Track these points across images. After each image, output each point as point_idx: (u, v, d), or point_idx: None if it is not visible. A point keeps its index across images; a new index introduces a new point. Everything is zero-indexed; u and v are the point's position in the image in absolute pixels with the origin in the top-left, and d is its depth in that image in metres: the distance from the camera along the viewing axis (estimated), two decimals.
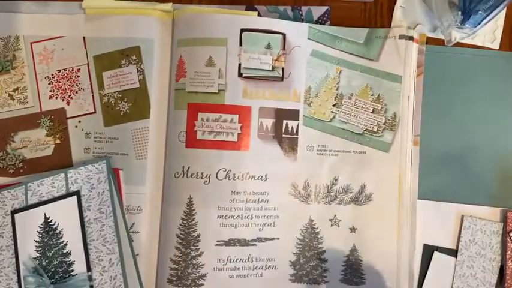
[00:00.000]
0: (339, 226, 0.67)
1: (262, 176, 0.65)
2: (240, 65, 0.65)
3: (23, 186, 0.63)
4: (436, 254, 0.66)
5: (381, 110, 0.67)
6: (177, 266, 0.64)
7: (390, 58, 0.67)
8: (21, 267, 0.61)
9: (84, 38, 0.66)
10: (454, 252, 0.67)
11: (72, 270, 0.61)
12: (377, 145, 0.67)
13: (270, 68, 0.65)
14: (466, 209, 0.67)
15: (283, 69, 0.66)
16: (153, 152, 0.65)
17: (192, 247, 0.64)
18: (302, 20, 0.68)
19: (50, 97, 0.66)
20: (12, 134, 0.65)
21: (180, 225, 0.64)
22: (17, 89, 0.66)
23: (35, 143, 0.65)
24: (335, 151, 0.67)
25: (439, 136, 0.68)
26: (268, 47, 0.65)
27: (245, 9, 0.68)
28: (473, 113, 0.68)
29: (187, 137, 0.64)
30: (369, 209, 0.66)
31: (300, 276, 0.66)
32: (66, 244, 0.62)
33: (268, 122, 0.65)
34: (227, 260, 0.64)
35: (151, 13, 0.66)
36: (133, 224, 0.64)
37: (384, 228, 0.66)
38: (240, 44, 0.65)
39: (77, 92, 0.66)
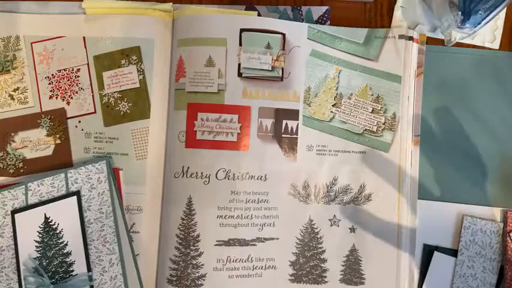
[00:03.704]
0: (338, 226, 0.67)
1: (261, 176, 0.65)
2: (239, 65, 0.65)
3: (23, 186, 0.63)
4: (436, 254, 0.66)
5: (380, 110, 0.67)
6: (176, 266, 0.64)
7: (390, 58, 0.67)
8: (22, 267, 0.61)
9: (84, 38, 0.66)
10: (454, 252, 0.66)
11: (73, 271, 0.61)
12: (376, 145, 0.67)
13: (270, 68, 0.65)
14: (466, 209, 0.67)
15: (282, 69, 0.66)
16: (153, 152, 0.65)
17: (191, 247, 0.64)
18: (302, 20, 0.68)
19: (50, 97, 0.66)
20: (13, 134, 0.65)
21: (180, 225, 0.64)
22: (17, 89, 0.66)
23: (35, 143, 0.65)
24: (335, 151, 0.67)
25: (440, 136, 0.68)
26: (268, 47, 0.65)
27: (245, 9, 0.68)
28: (473, 113, 0.68)
29: (187, 137, 0.64)
30: (369, 209, 0.66)
31: (299, 276, 0.66)
32: (66, 244, 0.62)
33: (268, 122, 0.65)
34: (227, 260, 0.64)
35: (151, 13, 0.66)
36: (133, 224, 0.64)
37: (384, 228, 0.66)
38: (240, 44, 0.65)
39: (77, 92, 0.66)
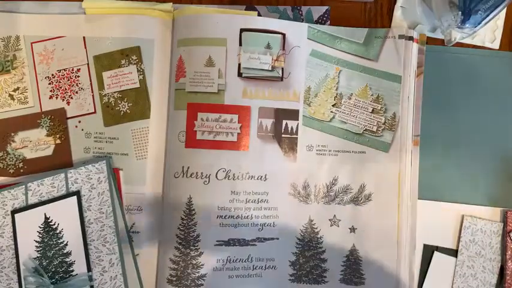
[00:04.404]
0: (338, 226, 0.67)
1: (261, 176, 0.65)
2: (239, 65, 0.65)
3: (23, 186, 0.63)
4: (436, 254, 0.66)
5: (380, 110, 0.67)
6: (176, 266, 0.64)
7: (390, 58, 0.67)
8: (22, 267, 0.61)
9: (84, 38, 0.66)
10: (454, 252, 0.66)
11: (73, 271, 0.61)
12: (376, 145, 0.67)
13: (270, 68, 0.65)
14: (466, 209, 0.67)
15: (282, 69, 0.66)
16: (153, 152, 0.65)
17: (191, 247, 0.64)
18: (302, 20, 0.68)
19: (50, 97, 0.66)
20: (13, 134, 0.65)
21: (180, 225, 0.64)
22: (18, 89, 0.66)
23: (35, 143, 0.65)
24: (334, 151, 0.67)
25: (439, 136, 0.68)
26: (268, 47, 0.65)
27: (245, 9, 0.68)
28: (473, 113, 0.68)
29: (187, 137, 0.64)
30: (369, 209, 0.66)
31: (299, 276, 0.66)
32: (66, 244, 0.62)
33: (268, 122, 0.65)
34: (227, 260, 0.64)
35: (151, 13, 0.66)
36: (133, 224, 0.65)
37: (384, 228, 0.66)
38: (240, 44, 0.65)
39: (77, 92, 0.66)
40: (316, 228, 0.66)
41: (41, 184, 0.63)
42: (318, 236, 0.66)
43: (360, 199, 0.67)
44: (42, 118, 0.66)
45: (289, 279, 0.66)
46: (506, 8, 0.65)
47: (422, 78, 0.68)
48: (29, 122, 0.65)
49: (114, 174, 0.64)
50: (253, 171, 0.65)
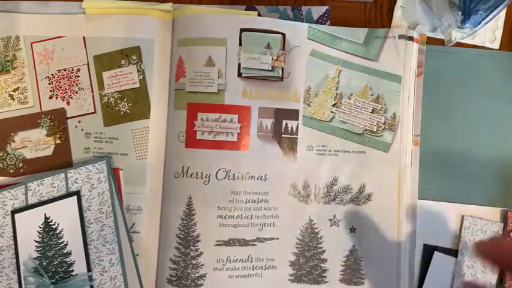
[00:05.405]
0: (338, 226, 0.67)
1: (261, 176, 0.65)
2: (239, 65, 0.65)
3: (23, 186, 0.63)
4: (436, 254, 0.66)
5: (380, 110, 0.67)
6: (176, 266, 0.64)
7: (390, 58, 0.67)
8: (22, 267, 0.61)
9: (84, 38, 0.66)
10: (454, 252, 0.66)
11: (73, 271, 0.61)
12: (377, 145, 0.67)
13: (270, 68, 0.65)
14: (466, 209, 0.67)
15: (282, 69, 0.66)
16: (153, 152, 0.65)
17: (191, 247, 0.64)
18: (302, 20, 0.68)
19: (50, 97, 0.66)
20: (12, 134, 0.65)
21: (180, 225, 0.64)
22: (17, 89, 0.66)
23: (35, 143, 0.65)
24: (334, 151, 0.67)
25: (439, 136, 0.68)
26: (268, 47, 0.65)
27: (245, 9, 0.68)
28: (473, 113, 0.68)
29: (187, 137, 0.64)
30: (369, 209, 0.66)
31: (299, 276, 0.66)
32: (66, 244, 0.62)
33: (268, 122, 0.65)
34: (227, 260, 0.64)
35: (151, 13, 0.66)
36: (133, 224, 0.64)
37: (384, 228, 0.66)
38: (240, 44, 0.65)
39: (77, 92, 0.66)
40: (316, 228, 0.66)
41: (41, 184, 0.63)
42: (318, 236, 0.66)
43: (360, 199, 0.67)
44: (42, 118, 0.66)
45: (289, 279, 0.66)
46: (506, 8, 0.65)
47: (422, 78, 0.68)
48: (29, 122, 0.65)
49: (114, 174, 0.64)
50: (253, 171, 0.65)
